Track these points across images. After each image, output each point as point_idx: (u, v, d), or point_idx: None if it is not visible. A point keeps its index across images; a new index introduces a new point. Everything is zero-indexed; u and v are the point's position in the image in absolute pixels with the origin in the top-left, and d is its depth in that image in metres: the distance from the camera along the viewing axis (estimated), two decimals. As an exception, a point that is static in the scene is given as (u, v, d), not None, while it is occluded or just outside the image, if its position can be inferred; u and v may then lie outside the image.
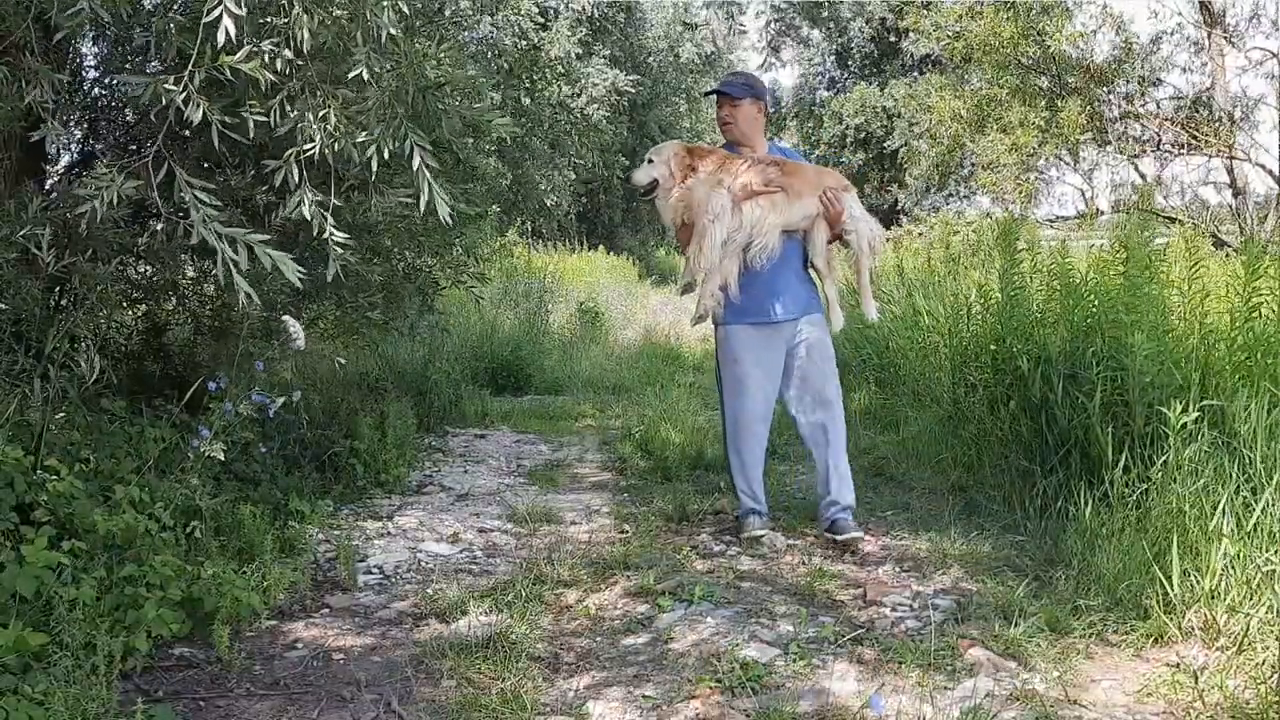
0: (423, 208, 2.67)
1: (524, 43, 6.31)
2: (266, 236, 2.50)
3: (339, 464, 4.88)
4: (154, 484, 3.44)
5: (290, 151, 2.66)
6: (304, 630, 3.19)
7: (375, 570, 3.79)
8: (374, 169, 2.70)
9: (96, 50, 4.40)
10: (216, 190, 2.52)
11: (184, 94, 2.44)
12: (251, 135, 2.63)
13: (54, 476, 3.07)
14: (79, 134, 4.45)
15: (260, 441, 4.21)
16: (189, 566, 3.09)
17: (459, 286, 5.69)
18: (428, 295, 5.48)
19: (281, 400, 3.80)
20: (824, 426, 4.09)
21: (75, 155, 4.53)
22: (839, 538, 3.97)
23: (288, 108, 2.64)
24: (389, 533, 4.29)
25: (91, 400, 3.75)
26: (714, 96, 4.33)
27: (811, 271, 4.21)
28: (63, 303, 3.79)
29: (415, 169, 2.63)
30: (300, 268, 2.64)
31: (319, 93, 2.63)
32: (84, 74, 4.43)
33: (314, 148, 2.63)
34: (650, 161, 4.07)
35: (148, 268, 4.42)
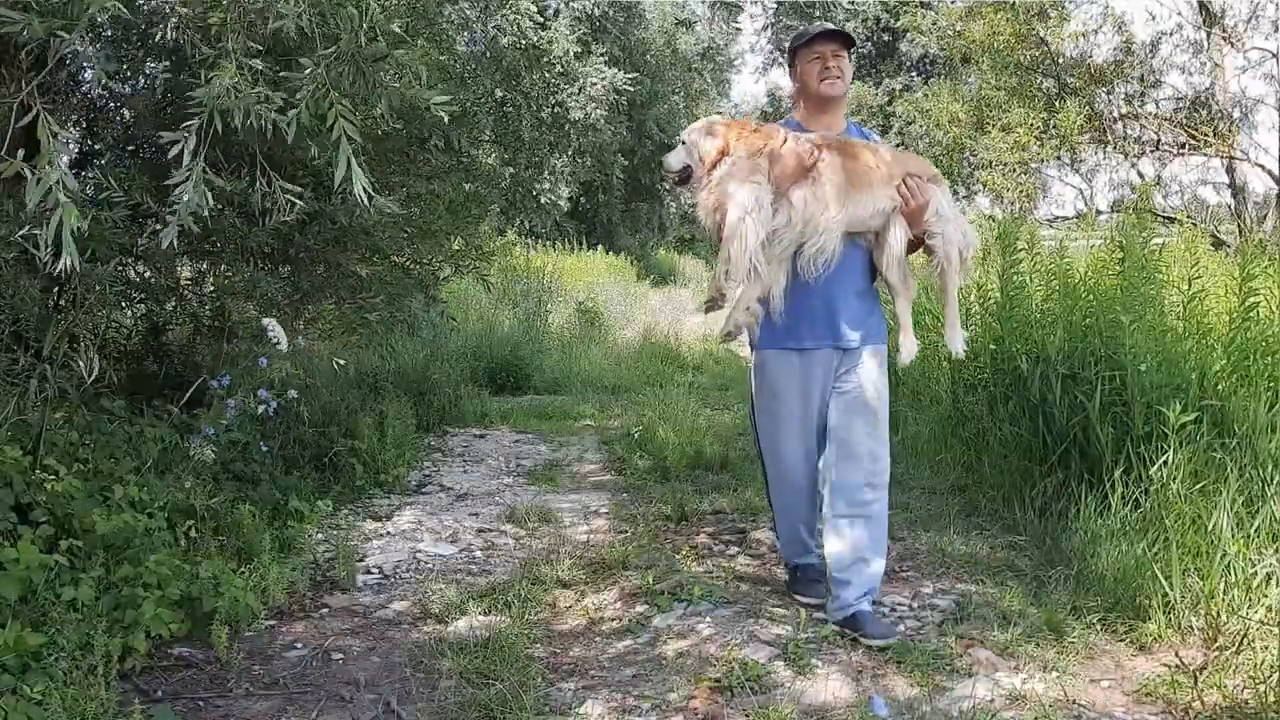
0: (337, 181, 2.39)
1: (523, 42, 6.30)
2: (73, 171, 2.14)
3: (338, 464, 4.88)
4: (153, 484, 3.44)
5: (189, 122, 2.33)
6: (303, 630, 3.19)
7: (374, 570, 3.79)
8: (288, 139, 2.42)
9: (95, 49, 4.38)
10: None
11: (73, 40, 2.19)
12: (157, 95, 2.36)
13: (53, 476, 3.08)
14: (77, 134, 4.44)
15: (259, 441, 4.21)
16: (187, 566, 3.09)
17: (463, 274, 5.67)
18: (429, 288, 5.47)
19: (275, 404, 3.79)
20: (871, 496, 3.15)
21: (74, 155, 4.52)
22: (869, 643, 3.03)
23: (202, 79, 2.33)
24: (388, 533, 4.29)
25: (91, 400, 3.75)
26: (788, 54, 3.33)
27: (880, 286, 3.32)
28: (62, 303, 3.79)
29: (334, 138, 2.33)
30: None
31: (230, 60, 2.32)
32: (82, 74, 4.43)
33: (204, 111, 2.28)
34: (682, 143, 3.19)
35: (146, 268, 4.42)
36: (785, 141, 3.02)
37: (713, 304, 3.06)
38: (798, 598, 3.41)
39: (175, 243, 2.44)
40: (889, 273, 3.16)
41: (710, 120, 3.16)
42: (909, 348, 3.23)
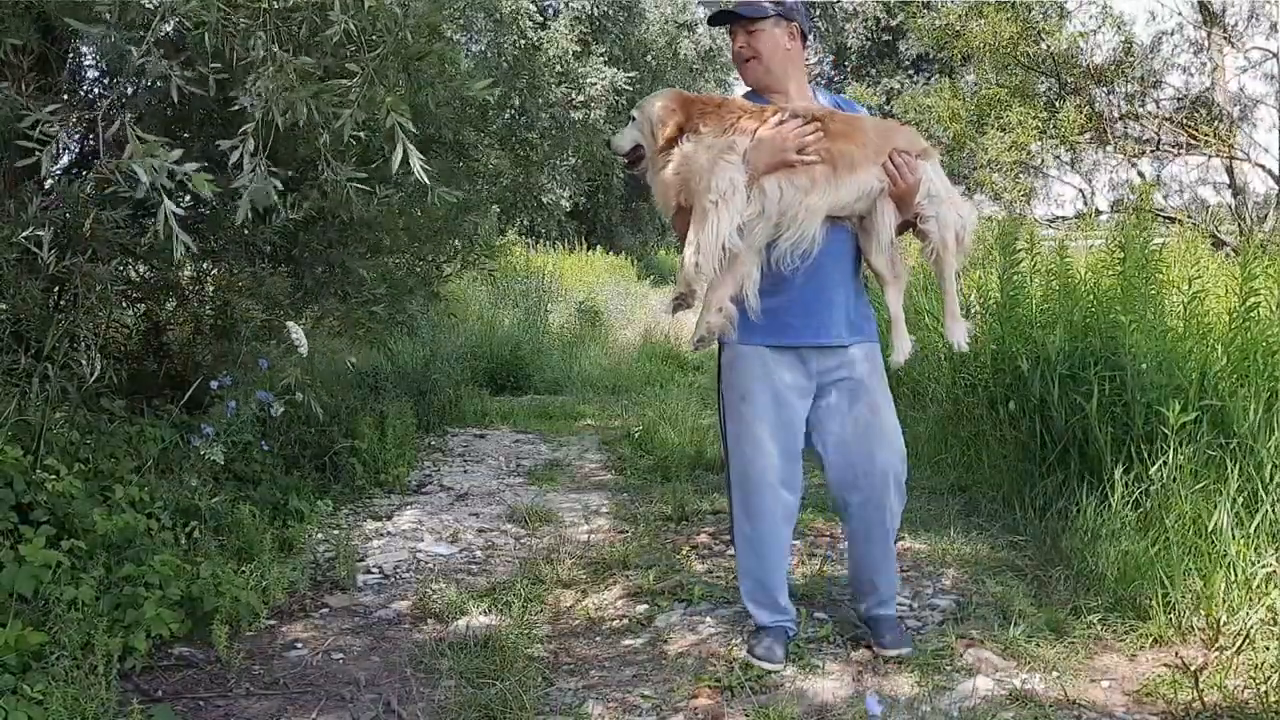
0: (395, 166, 2.45)
1: (523, 42, 6.32)
2: (180, 152, 2.25)
3: (339, 464, 4.88)
4: (153, 484, 3.44)
5: (248, 125, 2.42)
6: (303, 630, 3.20)
7: (374, 570, 3.79)
8: (344, 134, 2.50)
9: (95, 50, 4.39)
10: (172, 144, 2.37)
11: (144, 50, 2.29)
12: (212, 93, 2.46)
13: (53, 476, 3.08)
14: (78, 133, 4.44)
15: (261, 441, 4.21)
16: (188, 566, 3.10)
17: (469, 267, 5.67)
18: (432, 284, 5.47)
19: (282, 407, 3.79)
20: (875, 515, 2.90)
21: (75, 155, 4.52)
22: (883, 652, 2.92)
23: (251, 86, 2.43)
24: (388, 532, 4.29)
25: (91, 400, 3.76)
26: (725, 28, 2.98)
27: (869, 275, 3.01)
28: (63, 303, 3.79)
29: (388, 126, 2.39)
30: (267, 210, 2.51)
31: (278, 56, 2.41)
32: (84, 73, 4.43)
33: (257, 109, 2.38)
34: (632, 118, 2.87)
35: (147, 268, 4.43)
36: (772, 123, 2.70)
37: (681, 302, 2.72)
38: (757, 661, 2.87)
39: (249, 216, 2.52)
40: (876, 260, 2.86)
41: (666, 92, 2.85)
42: (903, 346, 2.91)
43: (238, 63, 2.45)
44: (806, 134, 2.68)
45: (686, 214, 2.72)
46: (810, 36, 3.03)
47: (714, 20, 3.04)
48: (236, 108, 2.43)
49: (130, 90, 3.58)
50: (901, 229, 2.88)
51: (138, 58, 2.27)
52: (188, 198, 4.52)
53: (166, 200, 2.16)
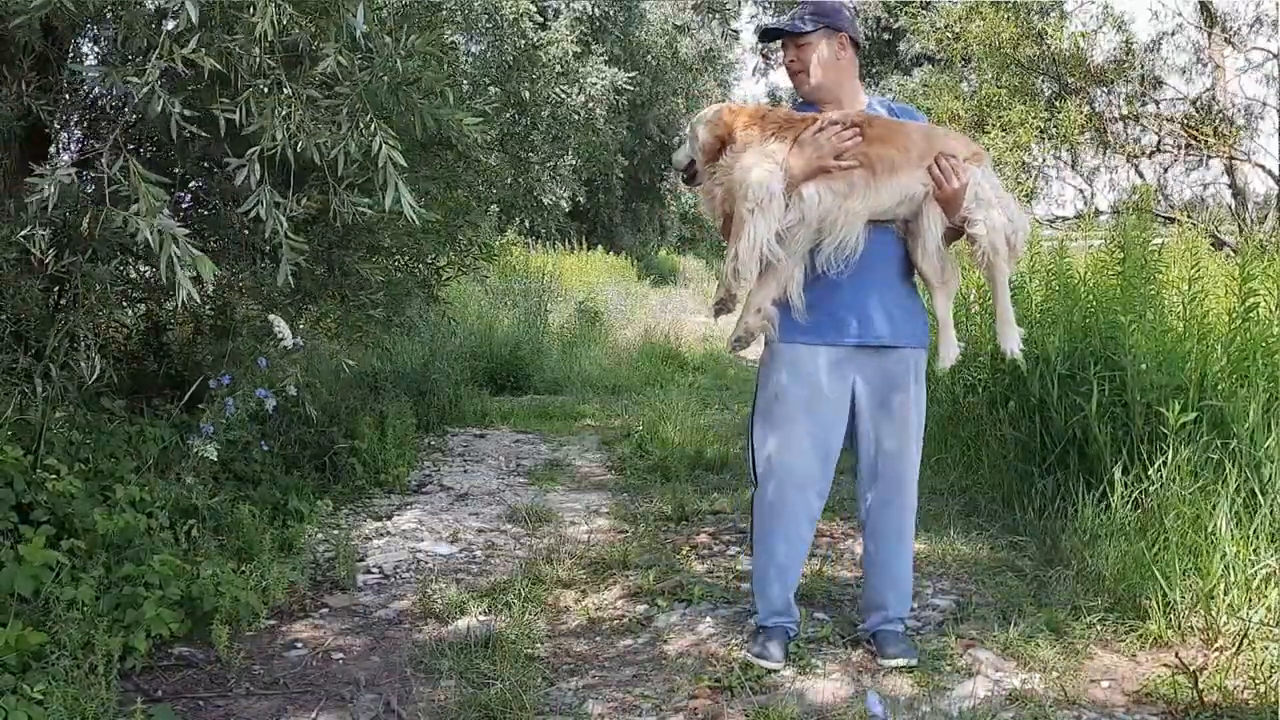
0: (387, 205, 2.54)
1: (523, 42, 6.32)
2: (187, 230, 2.38)
3: (339, 463, 4.89)
4: (153, 484, 3.44)
5: (253, 150, 2.52)
6: (303, 630, 3.20)
7: (374, 570, 3.80)
8: (340, 168, 2.60)
9: (98, 50, 4.39)
10: (170, 185, 2.48)
11: (146, 86, 2.36)
12: (223, 132, 2.53)
13: (53, 476, 3.08)
14: (79, 133, 4.44)
15: (260, 440, 4.21)
16: (188, 566, 3.10)
17: (465, 272, 5.69)
18: (432, 287, 5.48)
19: (274, 403, 3.80)
20: (894, 518, 2.95)
21: (75, 155, 4.52)
22: (885, 663, 2.89)
23: (253, 106, 2.51)
24: (388, 532, 4.29)
25: (91, 400, 3.75)
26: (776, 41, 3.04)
27: (918, 280, 2.96)
28: (62, 302, 3.79)
29: (381, 165, 2.49)
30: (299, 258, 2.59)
31: (284, 89, 2.51)
32: (84, 73, 4.42)
33: (275, 147, 2.48)
34: (689, 134, 2.92)
35: (147, 268, 4.42)
36: (811, 130, 2.70)
37: (722, 306, 2.77)
38: (757, 660, 2.89)
39: (290, 280, 2.69)
40: (924, 264, 2.83)
41: (715, 107, 2.88)
42: (949, 352, 2.91)
43: (242, 89, 2.50)
44: (844, 139, 2.68)
45: (730, 223, 2.75)
46: (862, 44, 3.05)
47: (764, 36, 3.08)
48: (250, 129, 2.51)
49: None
50: (954, 235, 2.86)
51: (137, 97, 2.34)
52: (188, 198, 4.53)
53: (173, 245, 2.21)
